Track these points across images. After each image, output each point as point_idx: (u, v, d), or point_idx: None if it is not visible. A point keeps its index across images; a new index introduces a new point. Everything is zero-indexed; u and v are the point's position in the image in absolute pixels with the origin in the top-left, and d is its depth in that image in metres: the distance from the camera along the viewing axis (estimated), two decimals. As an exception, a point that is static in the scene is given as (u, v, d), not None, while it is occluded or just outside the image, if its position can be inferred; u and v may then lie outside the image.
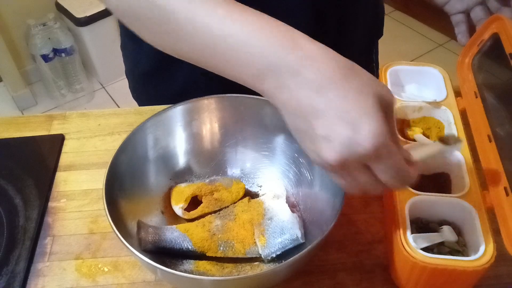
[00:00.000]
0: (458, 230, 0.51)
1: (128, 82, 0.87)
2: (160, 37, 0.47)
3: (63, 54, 2.04)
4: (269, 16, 0.42)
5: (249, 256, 0.54)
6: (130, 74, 0.85)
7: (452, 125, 0.59)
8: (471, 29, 0.64)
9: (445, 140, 0.47)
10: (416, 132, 0.60)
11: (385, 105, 0.38)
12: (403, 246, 0.46)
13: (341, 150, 0.36)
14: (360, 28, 0.79)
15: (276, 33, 0.39)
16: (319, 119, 0.37)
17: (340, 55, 0.40)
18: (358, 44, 0.81)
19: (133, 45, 0.79)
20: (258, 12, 0.42)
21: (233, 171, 0.64)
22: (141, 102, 0.88)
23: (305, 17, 0.69)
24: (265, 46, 0.39)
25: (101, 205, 0.48)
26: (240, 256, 0.54)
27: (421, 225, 0.52)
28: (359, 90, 0.37)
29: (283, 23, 0.41)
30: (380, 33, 0.87)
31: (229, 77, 0.44)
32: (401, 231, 0.47)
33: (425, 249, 0.47)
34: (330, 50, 0.40)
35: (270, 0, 0.66)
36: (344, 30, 0.75)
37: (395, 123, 0.40)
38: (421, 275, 0.47)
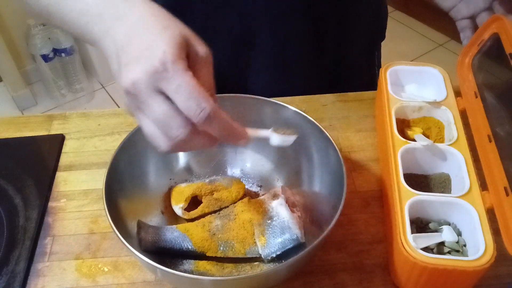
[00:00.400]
0: (458, 230, 0.51)
1: None
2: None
3: (63, 54, 2.04)
4: None
5: (249, 256, 0.54)
6: None
7: (452, 125, 0.59)
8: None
9: (279, 131, 0.48)
10: (416, 132, 0.60)
11: (192, 52, 0.40)
12: (403, 246, 0.46)
13: (134, 69, 0.37)
14: (361, 30, 0.79)
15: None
16: (127, 52, 0.39)
17: (159, 7, 0.42)
18: (358, 46, 0.81)
19: None
20: None
21: (233, 171, 0.64)
22: None
23: (303, 18, 0.69)
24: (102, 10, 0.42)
25: (101, 205, 0.48)
26: (240, 256, 0.54)
27: (421, 225, 0.52)
28: (166, 28, 0.39)
29: None
30: (382, 36, 0.87)
31: (74, 29, 0.46)
32: (401, 231, 0.48)
33: (425, 249, 0.47)
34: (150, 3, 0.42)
35: (267, 2, 0.66)
36: (344, 32, 0.75)
37: (209, 77, 0.41)
38: (421, 275, 0.47)
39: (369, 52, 0.87)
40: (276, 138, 0.48)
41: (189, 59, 0.40)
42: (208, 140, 0.41)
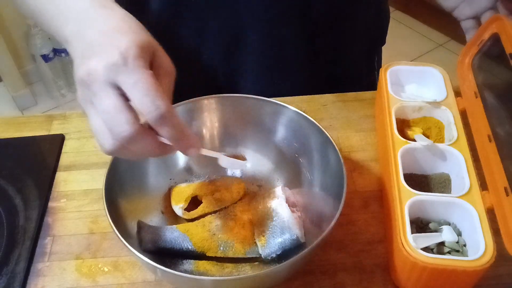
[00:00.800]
0: (458, 230, 0.51)
1: None
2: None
3: (63, 54, 2.04)
4: None
5: (249, 256, 0.54)
6: None
7: (452, 125, 0.59)
8: None
9: (232, 155, 0.49)
10: (416, 132, 0.60)
11: (156, 62, 0.41)
12: (403, 246, 0.46)
13: (92, 61, 0.37)
14: (358, 34, 0.78)
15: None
16: (89, 50, 0.39)
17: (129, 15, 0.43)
18: (356, 51, 0.81)
19: None
20: None
21: (233, 171, 0.64)
22: None
23: (296, 21, 0.69)
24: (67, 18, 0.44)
25: (101, 205, 0.48)
26: (240, 256, 0.54)
27: (421, 225, 0.52)
28: (135, 33, 0.40)
29: None
30: (382, 41, 0.86)
31: (52, 29, 0.47)
32: (401, 231, 0.48)
33: (425, 249, 0.47)
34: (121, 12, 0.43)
35: (259, 4, 0.66)
36: (339, 36, 0.75)
37: (168, 91, 0.41)
38: (421, 275, 0.47)
39: (368, 57, 0.86)
40: (225, 161, 0.49)
41: (152, 68, 0.40)
42: (155, 146, 0.40)
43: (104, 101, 0.37)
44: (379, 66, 0.89)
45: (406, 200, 0.50)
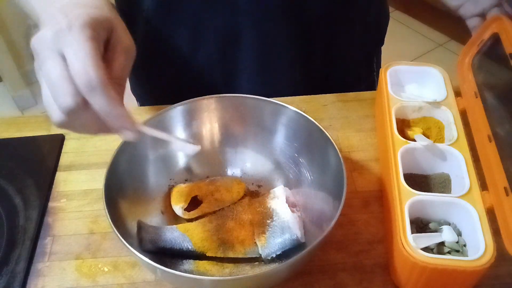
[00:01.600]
0: (458, 230, 0.51)
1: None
2: None
3: (63, 54, 2.04)
4: None
5: (249, 256, 0.54)
6: None
7: (452, 125, 0.59)
8: None
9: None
10: (416, 132, 0.60)
11: (115, 38, 0.41)
12: (403, 246, 0.46)
13: (43, 29, 0.38)
14: (355, 35, 0.78)
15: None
16: (48, 21, 0.40)
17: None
18: (353, 52, 0.80)
19: None
20: None
21: (233, 171, 0.64)
22: (138, 97, 0.88)
23: (290, 21, 0.69)
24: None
25: (101, 205, 0.48)
26: (240, 256, 0.54)
27: (421, 225, 0.52)
28: (96, 8, 0.41)
29: None
30: (381, 42, 0.86)
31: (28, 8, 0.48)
32: (401, 231, 0.48)
33: (425, 249, 0.47)
34: None
35: (255, 11, 0.66)
36: (335, 37, 0.74)
37: (122, 69, 0.41)
38: (421, 275, 0.47)
39: (368, 57, 0.86)
40: (177, 144, 0.47)
41: (109, 44, 0.40)
42: (93, 121, 0.39)
43: (49, 70, 0.37)
44: (379, 66, 0.88)
45: (406, 200, 0.50)
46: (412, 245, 0.46)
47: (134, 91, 0.88)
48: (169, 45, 0.73)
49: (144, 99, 0.87)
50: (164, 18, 0.69)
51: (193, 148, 0.47)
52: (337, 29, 0.73)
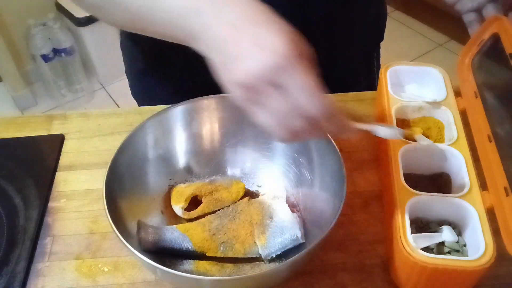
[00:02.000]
0: (458, 230, 0.51)
1: (128, 80, 0.87)
2: (99, 11, 0.51)
3: (63, 54, 2.04)
4: None
5: (249, 256, 0.54)
6: (128, 72, 0.85)
7: (452, 125, 0.59)
8: None
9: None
10: (416, 132, 0.60)
11: (299, 49, 0.39)
12: (403, 246, 0.46)
13: (252, 63, 0.37)
14: (355, 34, 0.78)
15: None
16: (234, 45, 0.38)
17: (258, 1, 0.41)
18: (353, 51, 0.80)
19: (130, 42, 0.79)
20: None
21: (233, 171, 0.64)
22: (140, 101, 0.88)
23: (294, 23, 0.69)
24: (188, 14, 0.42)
25: (101, 205, 0.48)
26: (240, 256, 0.54)
27: (421, 225, 0.52)
28: (274, 26, 0.39)
29: None
30: (381, 37, 0.86)
31: (159, 35, 0.47)
32: (401, 231, 0.48)
33: (425, 249, 0.47)
34: None
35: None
36: (335, 36, 0.74)
37: (315, 75, 0.40)
38: (421, 275, 0.47)
39: (367, 57, 0.86)
40: (381, 131, 0.47)
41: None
42: (320, 134, 0.42)
43: (273, 102, 0.39)
44: (378, 65, 0.88)
45: (406, 200, 0.50)
46: (412, 245, 0.46)
47: (135, 95, 0.88)
48: (176, 48, 0.73)
49: (145, 103, 0.87)
50: None
51: (399, 132, 0.48)
52: (337, 29, 0.73)
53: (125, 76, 0.87)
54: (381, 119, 0.63)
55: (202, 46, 0.42)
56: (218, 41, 0.40)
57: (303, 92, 0.38)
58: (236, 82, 0.38)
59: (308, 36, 0.72)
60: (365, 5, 0.76)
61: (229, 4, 0.40)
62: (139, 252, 0.45)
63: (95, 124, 0.73)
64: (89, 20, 1.99)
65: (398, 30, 2.46)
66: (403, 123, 0.63)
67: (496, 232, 0.47)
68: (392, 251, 0.51)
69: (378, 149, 0.67)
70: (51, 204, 0.62)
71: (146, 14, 0.46)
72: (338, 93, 0.75)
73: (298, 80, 0.38)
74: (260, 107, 0.40)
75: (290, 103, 0.39)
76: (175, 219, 0.59)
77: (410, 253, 0.46)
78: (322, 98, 0.39)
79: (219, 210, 0.58)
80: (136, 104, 0.89)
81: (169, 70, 0.77)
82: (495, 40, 0.58)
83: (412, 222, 0.51)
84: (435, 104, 0.62)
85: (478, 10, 0.62)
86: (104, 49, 2.13)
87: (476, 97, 0.60)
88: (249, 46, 0.38)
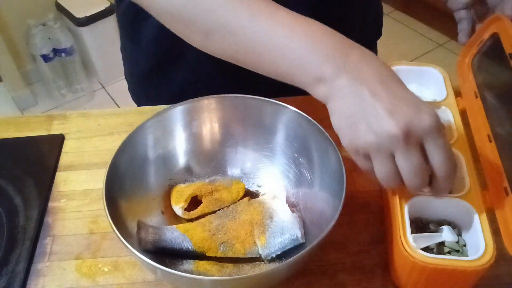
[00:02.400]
0: (458, 230, 0.51)
1: (128, 84, 0.87)
2: (217, 45, 0.51)
3: (63, 54, 2.04)
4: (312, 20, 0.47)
5: (249, 256, 0.54)
6: (130, 75, 0.85)
7: (452, 125, 0.59)
8: (474, 28, 0.63)
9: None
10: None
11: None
12: (403, 246, 0.46)
13: (405, 121, 0.40)
14: (355, 32, 0.78)
15: (326, 43, 0.45)
16: (381, 101, 0.41)
17: (380, 60, 0.45)
18: None
19: (132, 45, 0.79)
20: (301, 16, 0.48)
21: (233, 171, 0.64)
22: (141, 104, 0.88)
23: None
24: (319, 58, 0.45)
25: (101, 205, 0.48)
26: (240, 256, 0.54)
27: (421, 225, 0.52)
28: (401, 82, 0.44)
29: (329, 29, 0.47)
30: (379, 34, 0.86)
31: (282, 80, 0.49)
32: (401, 231, 0.47)
33: (425, 249, 0.47)
34: (373, 55, 0.45)
35: None
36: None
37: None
38: (421, 275, 0.47)
39: None
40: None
41: None
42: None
43: (411, 158, 0.42)
44: None
45: (406, 200, 0.50)
46: (412, 245, 0.46)
47: (136, 97, 0.88)
48: (180, 50, 0.73)
49: (146, 105, 0.87)
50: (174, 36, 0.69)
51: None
52: (337, 30, 0.73)
53: (125, 78, 0.87)
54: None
55: (327, 105, 0.45)
56: (349, 105, 0.43)
57: (442, 155, 0.42)
58: (388, 134, 0.41)
59: None
60: (366, 6, 0.76)
61: (361, 66, 0.44)
62: (139, 252, 0.45)
63: (95, 124, 0.73)
64: (89, 20, 2.00)
65: (398, 30, 2.46)
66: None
67: (496, 232, 0.47)
68: (392, 251, 0.51)
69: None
70: (51, 204, 0.62)
71: (268, 57, 0.48)
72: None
73: (441, 144, 0.42)
74: (388, 157, 0.43)
75: (423, 162, 0.42)
76: (175, 219, 0.59)
77: (410, 253, 0.46)
78: (455, 165, 0.43)
79: (219, 210, 0.58)
80: (136, 104, 0.89)
81: (172, 73, 0.77)
82: (495, 40, 0.58)
83: (412, 222, 0.51)
84: (435, 104, 0.62)
85: (469, 7, 0.62)
86: (104, 49, 2.13)
87: (476, 97, 0.60)
88: (397, 103, 0.41)
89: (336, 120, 0.44)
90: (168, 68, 0.77)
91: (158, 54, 0.75)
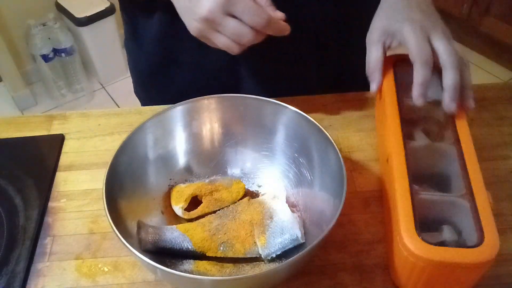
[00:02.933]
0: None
1: (131, 78, 0.87)
2: None
3: (63, 54, 2.04)
4: None
5: (249, 256, 0.54)
6: (132, 72, 0.86)
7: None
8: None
9: None
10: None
11: None
12: (403, 244, 0.46)
13: (204, 3, 0.50)
14: (360, 36, 0.78)
15: None
16: None
17: None
18: (358, 51, 0.81)
19: (133, 44, 0.79)
20: None
21: (233, 171, 0.64)
22: (142, 101, 0.88)
23: (305, 24, 0.69)
24: None
25: (101, 205, 0.48)
26: (240, 256, 0.54)
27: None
28: None
29: None
30: None
31: None
32: (401, 231, 0.47)
33: (425, 249, 0.47)
34: None
35: None
36: (345, 42, 0.75)
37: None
38: (421, 275, 0.47)
39: None
40: None
41: None
42: (262, 35, 0.53)
43: (229, 27, 0.51)
44: None
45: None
46: (412, 240, 0.46)
47: (138, 94, 0.88)
48: (180, 51, 0.73)
49: (148, 103, 0.87)
50: (175, 27, 0.69)
51: None
52: (348, 28, 0.74)
53: (125, 76, 0.87)
54: (381, 119, 0.63)
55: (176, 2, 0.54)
56: None
57: (247, 14, 0.50)
58: (198, 18, 0.51)
59: (321, 39, 0.72)
60: (375, 6, 0.76)
61: None
62: (139, 252, 0.45)
63: (95, 124, 0.73)
64: (89, 20, 2.00)
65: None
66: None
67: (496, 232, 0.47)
68: (392, 251, 0.51)
69: (378, 149, 0.67)
70: (51, 204, 0.62)
71: None
72: (338, 93, 0.75)
73: (243, 6, 0.50)
74: (218, 33, 0.52)
75: (240, 24, 0.51)
76: (175, 219, 0.59)
77: (411, 249, 0.46)
78: (263, 14, 0.51)
79: (219, 210, 0.58)
80: (137, 103, 0.89)
81: (173, 70, 0.77)
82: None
83: (412, 222, 0.51)
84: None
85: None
86: (104, 49, 2.13)
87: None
88: None
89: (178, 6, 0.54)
90: (168, 69, 0.77)
91: (158, 55, 0.75)
